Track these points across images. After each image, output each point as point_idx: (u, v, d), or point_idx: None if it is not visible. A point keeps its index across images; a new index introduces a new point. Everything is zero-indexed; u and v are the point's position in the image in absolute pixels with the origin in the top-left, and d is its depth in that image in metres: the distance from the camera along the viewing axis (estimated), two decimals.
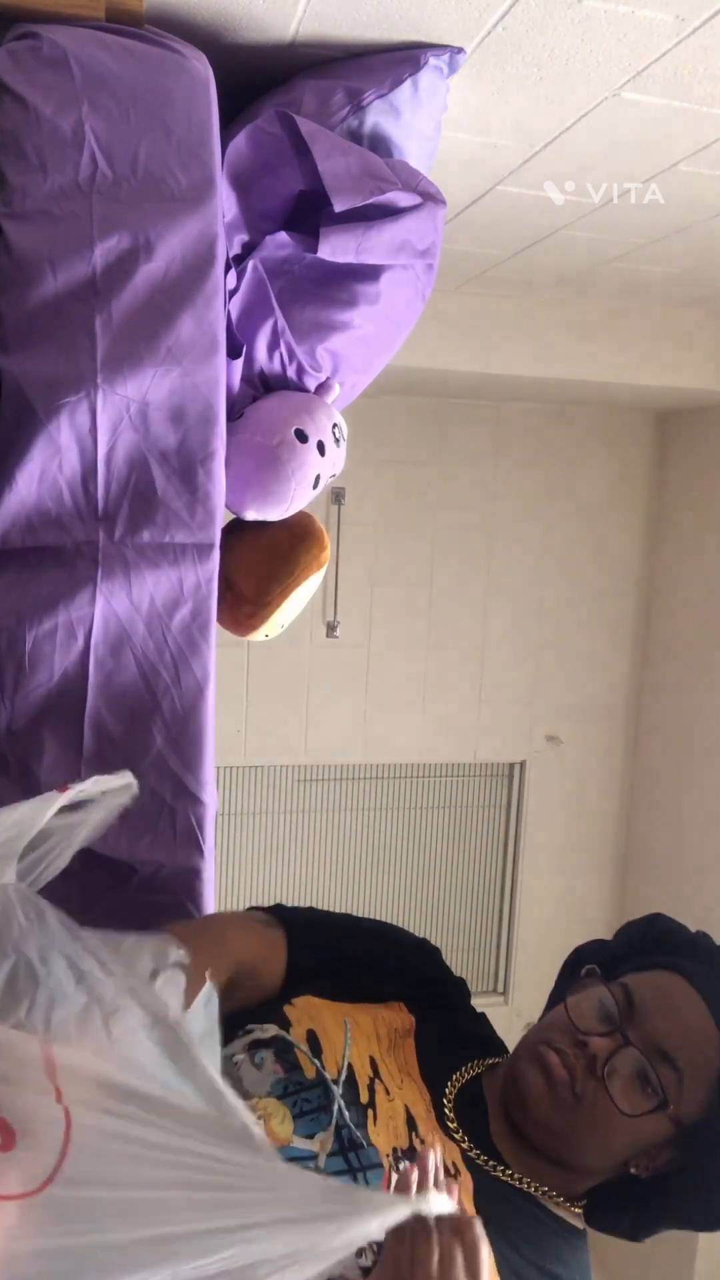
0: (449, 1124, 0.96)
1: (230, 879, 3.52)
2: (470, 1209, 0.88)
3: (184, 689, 1.13)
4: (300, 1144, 0.88)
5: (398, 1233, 0.71)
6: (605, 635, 3.78)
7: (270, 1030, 0.97)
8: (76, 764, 1.11)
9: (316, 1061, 0.93)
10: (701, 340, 2.93)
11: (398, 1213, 0.67)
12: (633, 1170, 0.96)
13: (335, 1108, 0.89)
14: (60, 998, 0.74)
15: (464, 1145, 0.95)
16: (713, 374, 2.96)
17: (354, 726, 3.50)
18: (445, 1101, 0.98)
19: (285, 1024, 0.98)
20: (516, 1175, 0.95)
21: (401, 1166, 0.88)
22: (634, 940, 1.09)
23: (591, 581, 3.73)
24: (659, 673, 3.75)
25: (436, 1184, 0.74)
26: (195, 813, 1.16)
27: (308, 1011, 1.00)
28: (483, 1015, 1.13)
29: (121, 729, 1.12)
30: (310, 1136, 0.88)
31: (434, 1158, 0.75)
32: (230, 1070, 0.94)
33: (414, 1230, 0.71)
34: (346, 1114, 0.89)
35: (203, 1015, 0.80)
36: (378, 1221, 0.65)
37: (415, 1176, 0.73)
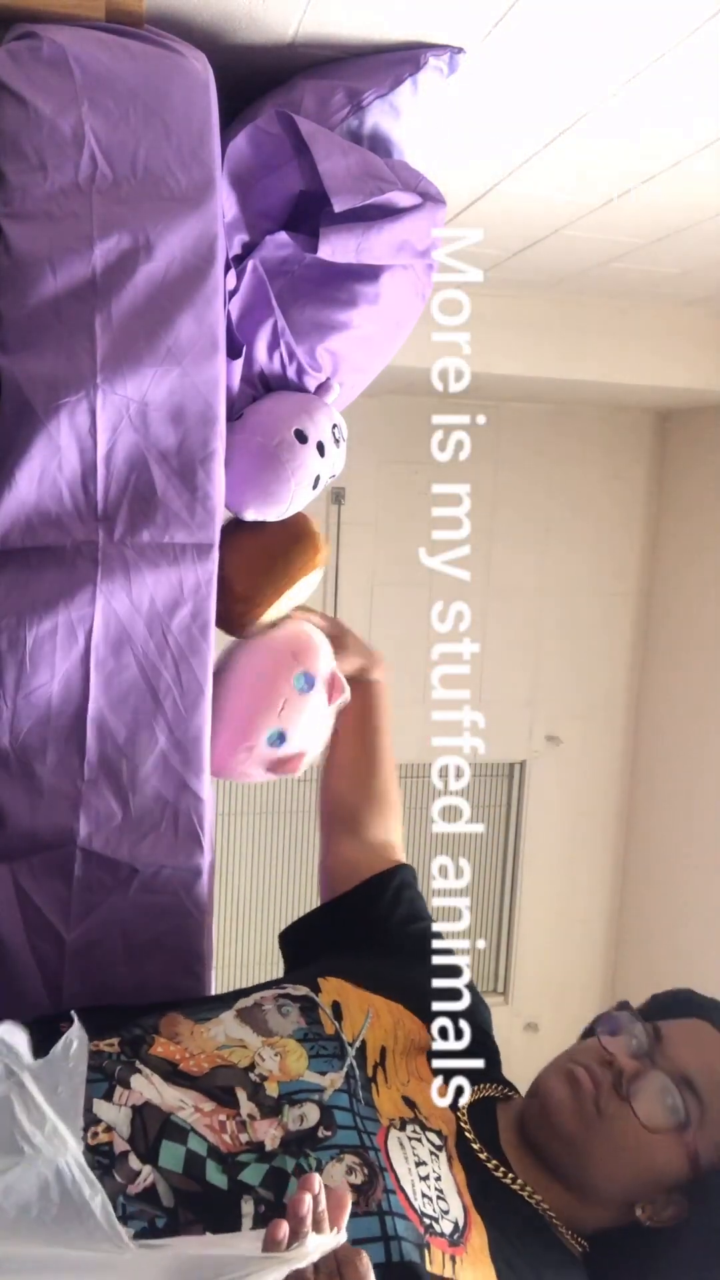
0: (463, 1125, 0.96)
1: (230, 879, 3.52)
2: (467, 1199, 0.88)
3: (185, 689, 1.13)
4: (310, 1077, 0.91)
5: None
6: (605, 635, 3.78)
7: (301, 989, 1.02)
8: (79, 765, 1.11)
9: (337, 1023, 0.97)
10: (701, 340, 2.93)
11: (271, 1276, 0.65)
12: (639, 1214, 0.94)
13: (348, 1059, 0.93)
14: None
15: (470, 1137, 0.95)
16: (713, 374, 2.97)
17: None
18: (460, 1113, 0.97)
19: (316, 989, 1.02)
20: (521, 1183, 0.94)
21: (407, 1129, 0.90)
22: (659, 1002, 1.10)
23: (591, 582, 3.73)
24: (659, 673, 3.75)
25: (315, 1223, 0.71)
26: (197, 811, 1.16)
27: (338, 989, 1.04)
28: (498, 1051, 1.13)
29: (124, 729, 1.12)
30: (321, 1074, 0.92)
31: (308, 1200, 0.71)
32: (254, 1014, 0.98)
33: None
34: (356, 1072, 0.93)
35: (63, 1062, 0.77)
36: None
37: (285, 1230, 0.70)
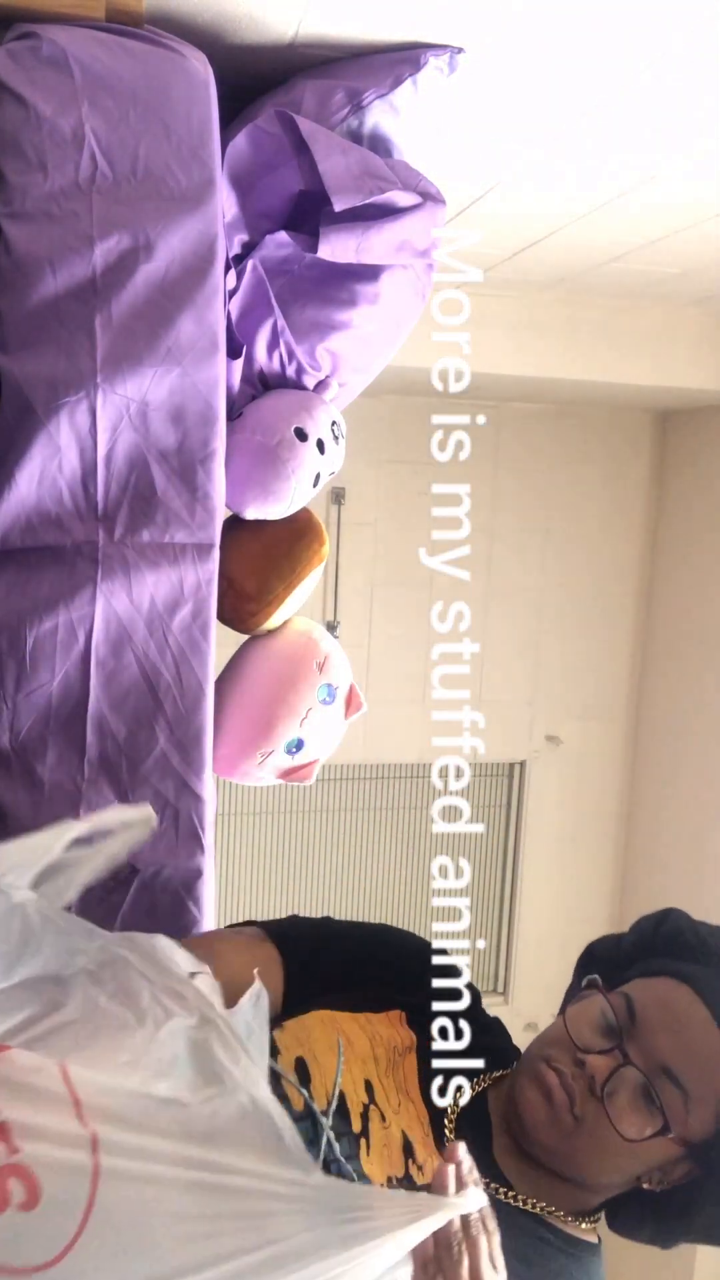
0: (449, 1132, 0.94)
1: (230, 879, 3.52)
2: None
3: (186, 689, 1.13)
4: None
5: (425, 1240, 0.71)
6: (605, 635, 3.78)
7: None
8: (79, 764, 1.11)
9: (304, 1092, 0.89)
10: (701, 340, 2.93)
11: (440, 1218, 0.68)
12: (645, 1185, 0.92)
13: (323, 1141, 0.86)
14: (89, 1012, 0.73)
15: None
16: (713, 374, 2.96)
17: (354, 726, 3.50)
18: (447, 1122, 0.94)
19: (274, 1051, 0.93)
20: (521, 1197, 0.92)
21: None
22: (645, 938, 1.04)
23: (591, 581, 3.73)
24: (659, 673, 3.75)
25: (472, 1180, 0.75)
26: (197, 811, 1.16)
27: (297, 1036, 0.96)
28: (495, 1021, 1.09)
29: (124, 729, 1.12)
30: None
31: (462, 1149, 0.75)
32: None
33: (444, 1235, 0.72)
34: (336, 1147, 0.86)
35: (250, 1013, 0.79)
36: (421, 1229, 0.66)
37: (452, 1175, 0.73)
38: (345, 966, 1.08)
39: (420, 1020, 1.01)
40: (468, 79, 1.35)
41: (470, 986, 1.09)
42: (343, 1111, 0.90)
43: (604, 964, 1.02)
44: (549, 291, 2.69)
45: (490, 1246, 0.74)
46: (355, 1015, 0.99)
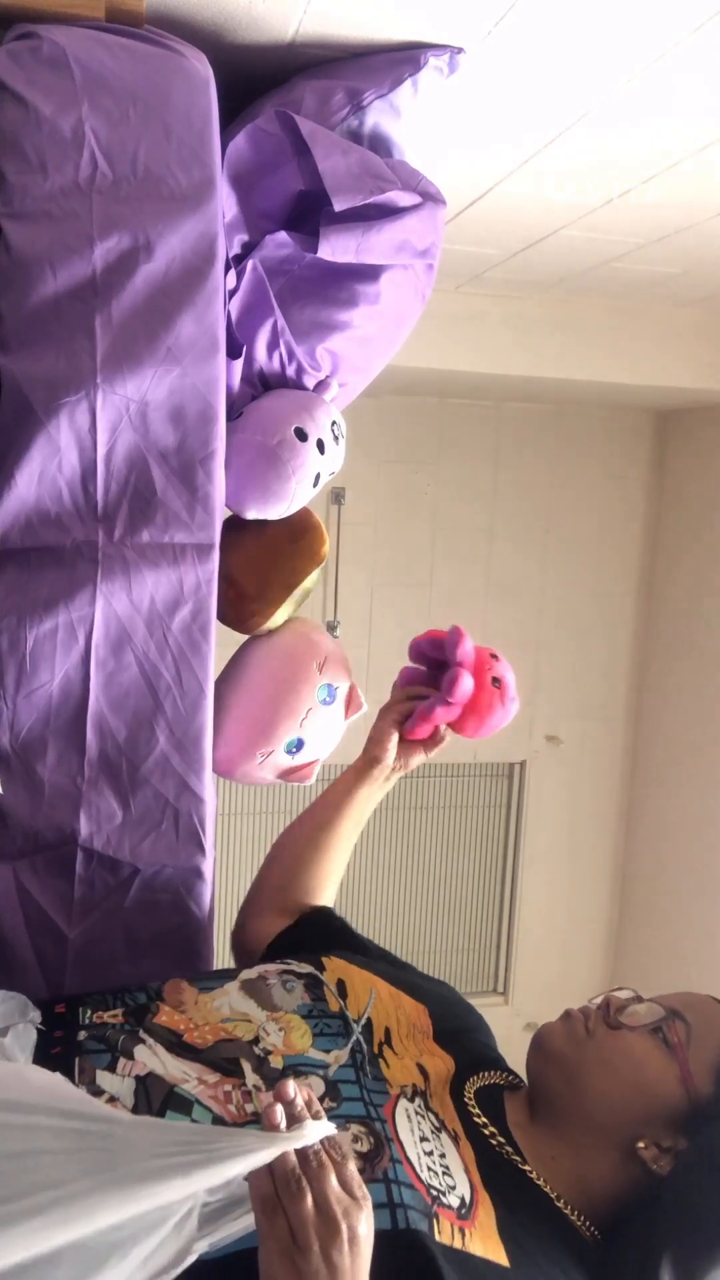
0: (466, 1100, 0.97)
1: (230, 879, 3.52)
2: (475, 1177, 0.88)
3: (186, 689, 1.13)
4: (315, 1054, 0.93)
5: (262, 1178, 0.70)
6: (605, 635, 3.78)
7: (306, 967, 1.04)
8: (80, 764, 1.11)
9: (341, 1000, 0.99)
10: (701, 340, 2.93)
11: (265, 1155, 0.68)
12: (640, 1146, 0.92)
13: (354, 1035, 0.94)
14: None
15: (479, 1121, 0.95)
16: (713, 374, 2.97)
17: (354, 726, 3.51)
18: (467, 1095, 0.99)
19: (320, 968, 1.04)
20: (530, 1168, 0.94)
21: (415, 1101, 0.92)
22: None
23: (591, 581, 3.73)
24: (659, 672, 3.75)
25: (309, 1111, 0.74)
26: (198, 811, 1.16)
27: (342, 968, 1.06)
28: (502, 1058, 1.14)
29: (125, 729, 1.12)
30: (326, 1051, 0.93)
31: (292, 1086, 0.75)
32: (259, 987, 1.00)
33: (280, 1171, 0.71)
34: (363, 1044, 0.94)
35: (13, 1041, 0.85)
36: (241, 1166, 0.67)
37: (280, 1113, 0.72)
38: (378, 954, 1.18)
39: (439, 1024, 1.07)
40: (468, 79, 1.36)
41: (486, 1027, 1.17)
42: (367, 1034, 0.97)
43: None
44: (549, 291, 2.69)
45: (343, 1175, 0.72)
46: (389, 985, 1.07)
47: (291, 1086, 0.74)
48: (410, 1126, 0.88)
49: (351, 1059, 0.93)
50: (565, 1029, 1.00)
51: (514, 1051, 1.08)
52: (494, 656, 1.22)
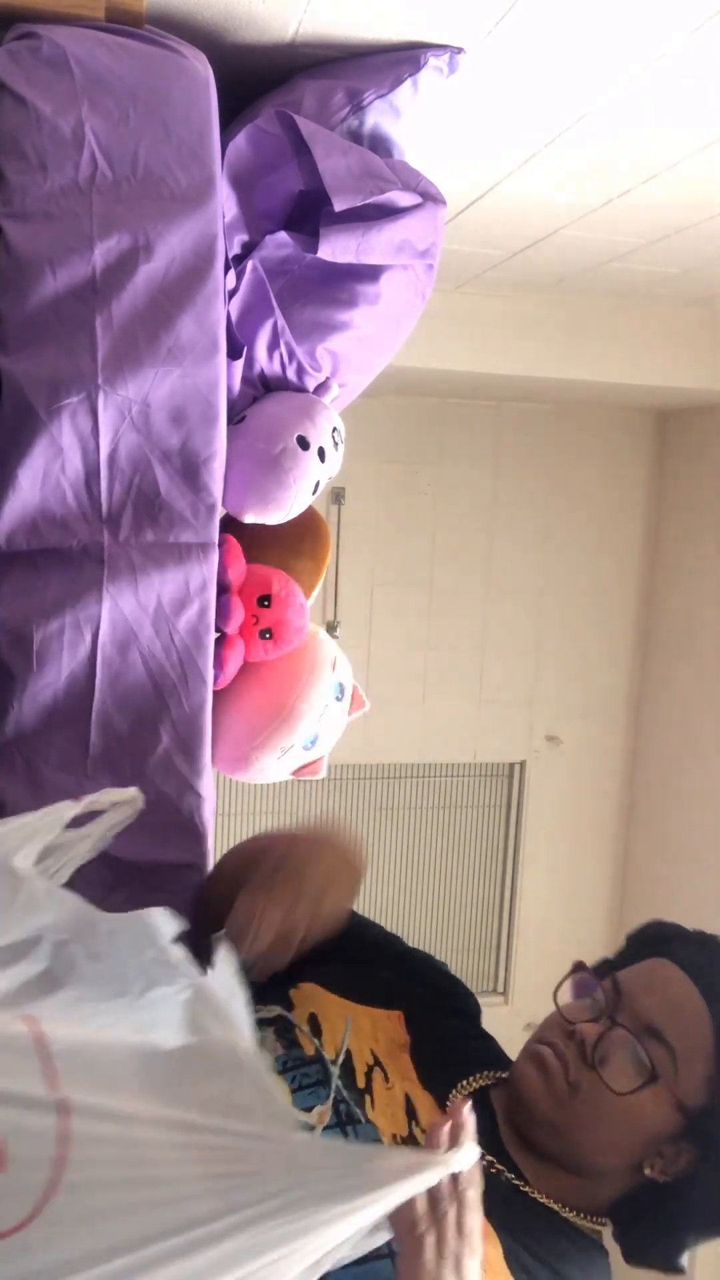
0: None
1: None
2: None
3: (191, 688, 1.13)
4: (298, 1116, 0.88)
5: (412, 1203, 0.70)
6: (605, 635, 3.78)
7: (274, 1010, 0.98)
8: (84, 763, 1.11)
9: (316, 1040, 0.93)
10: (701, 340, 2.93)
11: (429, 1178, 0.67)
12: (648, 1171, 0.93)
13: (333, 1083, 0.89)
14: (75, 976, 0.73)
15: None
16: (713, 374, 2.97)
17: (353, 726, 3.50)
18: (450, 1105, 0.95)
19: (289, 1006, 0.98)
20: (528, 1186, 0.93)
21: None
22: (629, 945, 1.09)
23: (591, 581, 3.73)
24: (659, 673, 3.75)
25: (468, 1138, 0.73)
26: (199, 810, 1.16)
27: (312, 998, 1.00)
28: (491, 1036, 1.11)
29: (128, 728, 1.12)
30: (308, 1110, 0.87)
31: (467, 1106, 0.74)
32: None
33: (435, 1192, 0.71)
34: (345, 1093, 0.88)
35: (227, 976, 0.79)
36: (410, 1187, 0.65)
37: (445, 1134, 0.72)
38: (356, 951, 1.11)
39: (418, 1022, 1.03)
40: (468, 79, 1.36)
41: (472, 997, 1.14)
42: (349, 1069, 0.92)
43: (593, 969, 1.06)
44: (549, 291, 2.69)
45: (478, 1205, 0.73)
46: (361, 1006, 1.02)
47: (467, 1106, 0.74)
48: None
49: (335, 1113, 0.87)
50: (546, 1087, 0.93)
51: (515, 1051, 1.08)
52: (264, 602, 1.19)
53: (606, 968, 1.05)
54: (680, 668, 3.63)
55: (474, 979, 3.84)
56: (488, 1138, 0.91)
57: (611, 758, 3.88)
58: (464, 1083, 0.99)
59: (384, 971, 1.10)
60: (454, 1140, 0.72)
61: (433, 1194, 0.71)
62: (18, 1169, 0.59)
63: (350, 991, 1.03)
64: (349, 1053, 0.94)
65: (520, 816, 3.85)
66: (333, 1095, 0.88)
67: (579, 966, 1.04)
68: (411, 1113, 0.92)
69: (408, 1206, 0.70)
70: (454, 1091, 0.97)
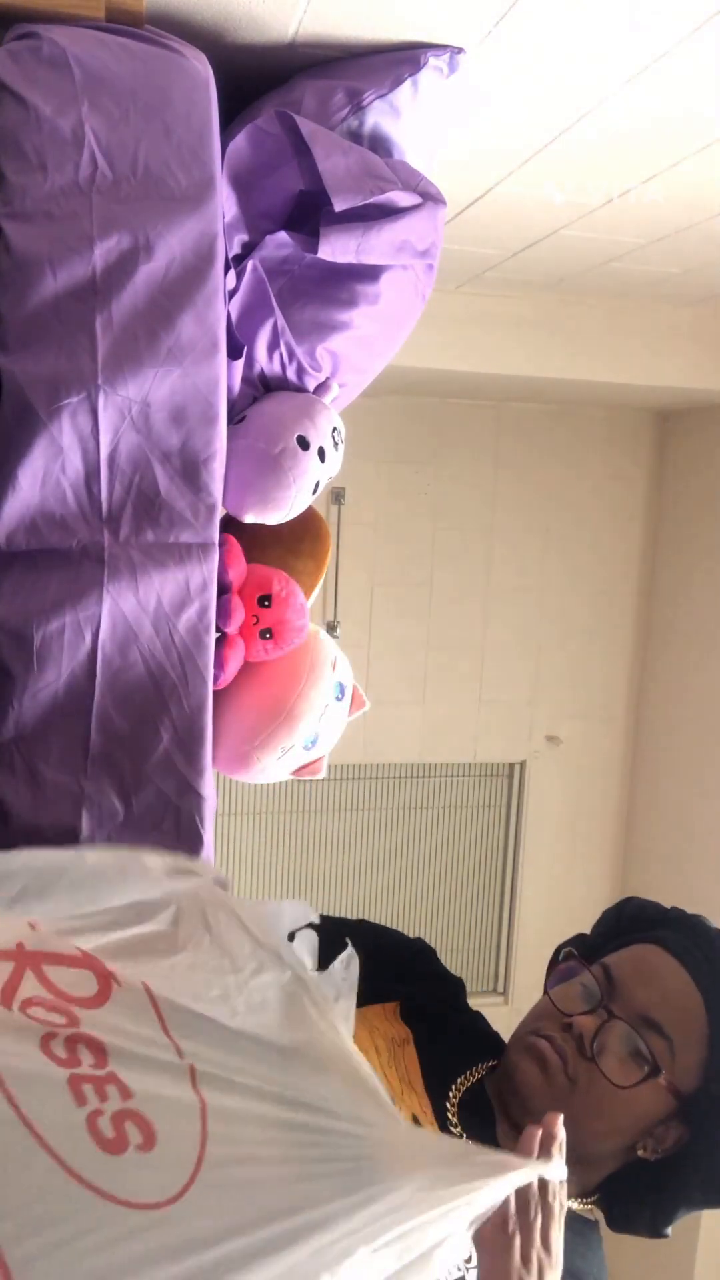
0: (452, 1130, 0.94)
1: (230, 879, 3.52)
2: None
3: (191, 688, 1.13)
4: None
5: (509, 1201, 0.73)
6: (605, 635, 3.78)
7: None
8: (84, 763, 1.11)
9: None
10: (701, 340, 2.93)
11: (524, 1176, 0.69)
12: (641, 1153, 0.94)
13: None
14: (194, 944, 0.75)
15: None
16: (713, 374, 2.97)
17: (353, 726, 3.50)
18: (449, 1107, 0.96)
19: None
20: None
21: None
22: (609, 926, 1.10)
23: (591, 582, 3.73)
24: (659, 672, 3.75)
25: (558, 1149, 0.76)
26: (199, 810, 1.16)
27: None
28: (478, 1013, 1.11)
29: (129, 728, 1.12)
30: None
31: (560, 1121, 0.76)
32: None
33: (523, 1196, 0.73)
34: None
35: (340, 976, 0.81)
36: (504, 1186, 0.67)
37: (538, 1138, 0.74)
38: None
39: (413, 1012, 1.03)
40: (468, 79, 1.36)
41: (457, 979, 1.14)
42: None
43: (577, 951, 1.06)
44: (549, 291, 2.69)
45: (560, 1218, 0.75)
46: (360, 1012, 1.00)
47: (560, 1121, 0.76)
48: None
49: None
50: (544, 1084, 0.93)
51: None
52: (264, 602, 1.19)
53: (591, 951, 1.05)
54: (680, 667, 3.63)
55: (474, 979, 3.84)
56: (484, 1136, 0.93)
57: (611, 758, 3.88)
58: (461, 1079, 0.99)
59: (372, 967, 1.09)
60: (545, 1150, 0.74)
61: (522, 1197, 0.73)
62: (167, 1145, 0.61)
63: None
64: None
65: (520, 816, 3.85)
66: None
67: (567, 955, 1.04)
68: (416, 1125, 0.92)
69: (500, 1207, 0.72)
70: (452, 1089, 0.97)
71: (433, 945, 1.20)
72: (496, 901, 3.93)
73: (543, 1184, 0.74)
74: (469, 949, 3.91)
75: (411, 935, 1.21)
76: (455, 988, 1.14)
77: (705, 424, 3.48)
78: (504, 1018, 1.11)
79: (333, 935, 1.12)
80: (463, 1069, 1.00)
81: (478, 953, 3.92)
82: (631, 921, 1.07)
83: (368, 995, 1.02)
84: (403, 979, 1.09)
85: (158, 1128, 0.61)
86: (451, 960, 1.19)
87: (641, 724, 3.84)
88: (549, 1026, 0.96)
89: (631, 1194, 0.96)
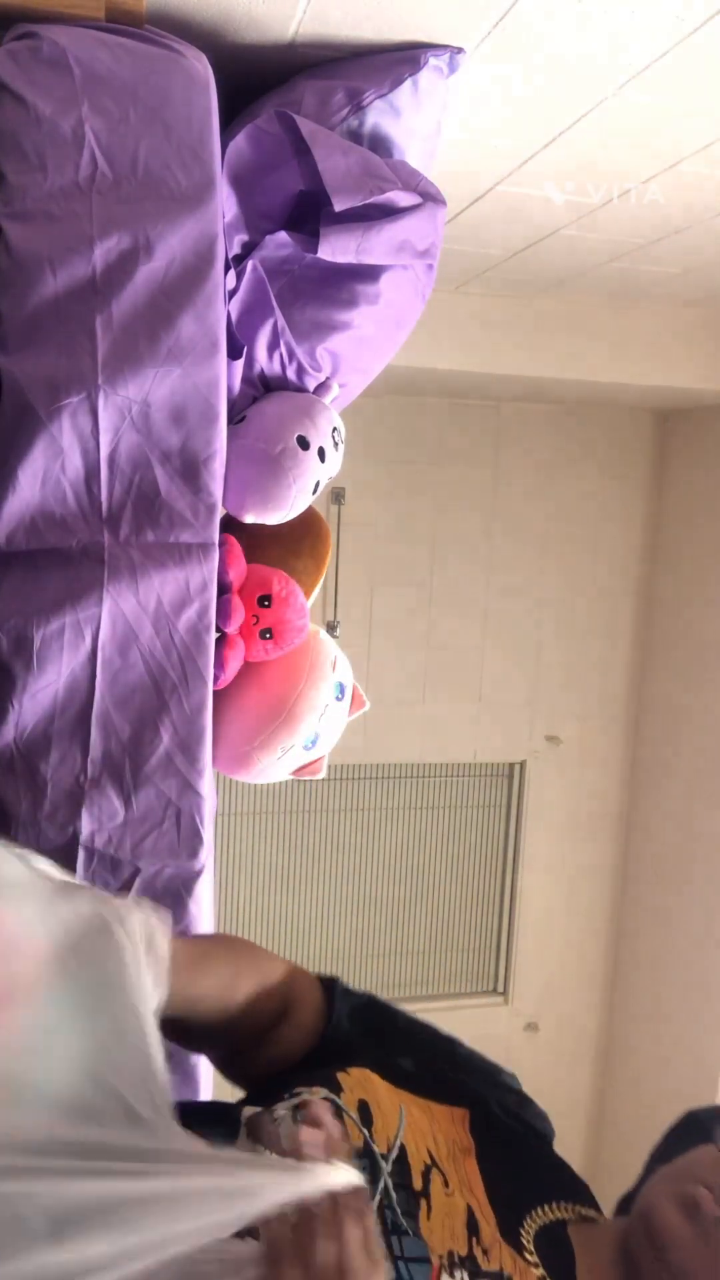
0: (525, 1252, 0.81)
1: (230, 879, 3.52)
2: None
3: (191, 688, 1.13)
4: None
5: (281, 1219, 0.59)
6: (605, 635, 3.78)
7: (320, 1093, 0.83)
8: (83, 763, 1.11)
9: (365, 1131, 0.80)
10: (701, 340, 2.93)
11: (297, 1186, 0.58)
12: None
13: (383, 1180, 0.75)
14: None
15: (540, 1273, 0.80)
16: (713, 374, 2.96)
17: (354, 726, 3.50)
18: (522, 1232, 0.83)
19: (336, 1089, 0.85)
20: None
21: (457, 1275, 0.75)
22: (679, 1135, 0.96)
23: (591, 582, 3.73)
24: (659, 673, 3.75)
25: (340, 1148, 0.64)
26: (199, 810, 1.16)
27: (362, 1083, 0.87)
28: (566, 1165, 0.96)
29: (129, 728, 1.12)
30: None
31: (330, 1111, 0.65)
32: (271, 1128, 0.78)
33: (305, 1216, 0.60)
34: (394, 1195, 0.76)
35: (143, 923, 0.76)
36: (265, 1204, 0.57)
37: (319, 1139, 0.63)
38: (408, 1044, 0.99)
39: (485, 1129, 0.91)
40: (468, 79, 1.36)
41: (546, 1119, 1.00)
42: (403, 1164, 0.80)
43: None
44: (549, 291, 2.69)
45: (365, 1235, 0.61)
46: (417, 1098, 0.90)
47: (329, 1112, 0.65)
48: None
49: (380, 1219, 0.73)
50: (695, 1237, 0.79)
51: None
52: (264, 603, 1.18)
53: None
54: (680, 668, 3.63)
55: (474, 979, 3.84)
56: (561, 1271, 0.82)
57: (611, 758, 3.87)
58: (536, 1211, 0.86)
59: (444, 1067, 0.97)
60: (330, 1152, 0.62)
61: (304, 1219, 0.59)
62: None
63: (407, 1082, 0.91)
64: (403, 1147, 0.81)
65: (520, 816, 3.85)
66: (379, 1196, 0.75)
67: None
68: (474, 1228, 0.79)
69: (276, 1228, 0.59)
70: (526, 1220, 0.84)
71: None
72: (496, 901, 3.92)
73: (335, 1199, 0.61)
74: (469, 949, 3.90)
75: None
76: (543, 1121, 0.99)
77: (705, 424, 3.48)
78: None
79: (388, 1017, 1.00)
80: (537, 1201, 0.87)
81: (478, 953, 3.92)
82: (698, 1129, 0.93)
83: (435, 1092, 0.92)
84: (475, 1097, 0.95)
85: None
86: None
87: (641, 724, 3.84)
88: (710, 1174, 0.83)
89: None
